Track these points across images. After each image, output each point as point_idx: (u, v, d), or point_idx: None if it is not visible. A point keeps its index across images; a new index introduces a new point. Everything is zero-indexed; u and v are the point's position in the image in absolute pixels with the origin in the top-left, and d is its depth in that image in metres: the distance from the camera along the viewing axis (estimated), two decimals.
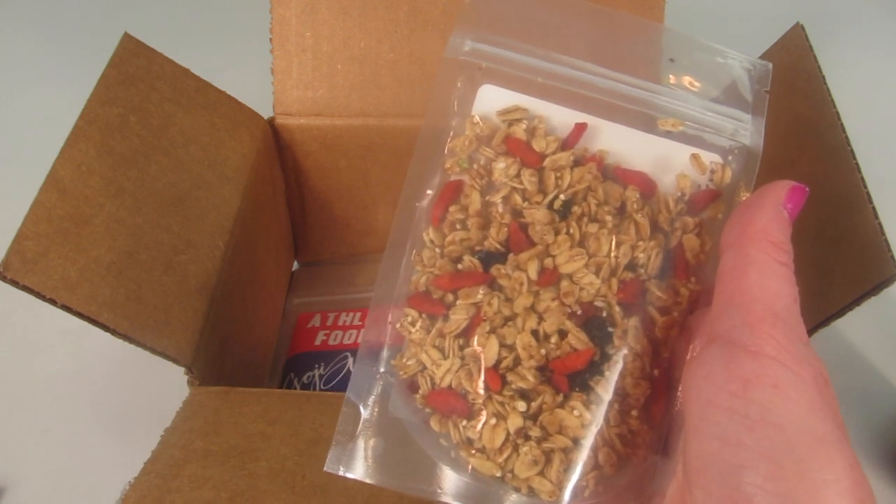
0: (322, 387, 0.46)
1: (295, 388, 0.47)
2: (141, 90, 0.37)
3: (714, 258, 0.24)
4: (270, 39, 0.44)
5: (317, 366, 0.47)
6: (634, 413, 0.23)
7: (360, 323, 0.49)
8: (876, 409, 0.49)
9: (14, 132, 0.66)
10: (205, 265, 0.36)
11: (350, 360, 0.47)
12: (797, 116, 0.37)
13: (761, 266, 0.21)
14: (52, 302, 0.29)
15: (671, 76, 0.26)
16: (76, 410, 0.48)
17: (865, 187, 0.31)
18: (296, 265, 0.57)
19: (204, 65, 0.42)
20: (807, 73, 0.37)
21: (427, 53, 0.45)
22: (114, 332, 0.31)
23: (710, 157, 0.25)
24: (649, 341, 0.24)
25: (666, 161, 0.25)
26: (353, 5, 0.44)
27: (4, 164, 0.63)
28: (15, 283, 0.29)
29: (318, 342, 0.49)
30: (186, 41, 0.54)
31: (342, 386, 0.44)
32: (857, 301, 0.28)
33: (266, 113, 0.45)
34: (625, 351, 0.23)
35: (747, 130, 0.25)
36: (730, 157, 0.25)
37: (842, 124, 0.33)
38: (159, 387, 0.40)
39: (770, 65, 0.26)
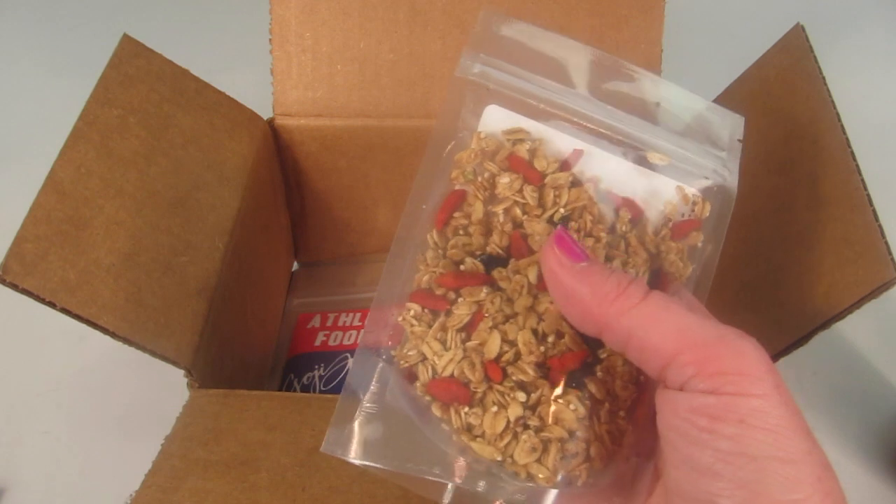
0: (322, 388, 0.46)
1: (295, 389, 0.47)
2: (140, 91, 0.37)
3: (691, 283, 0.27)
4: (270, 40, 0.44)
5: (317, 367, 0.47)
6: (622, 414, 0.25)
7: (360, 324, 0.49)
8: (876, 409, 0.49)
9: (13, 134, 0.66)
10: (204, 267, 0.36)
11: (350, 360, 0.47)
12: (797, 117, 0.37)
13: (639, 317, 0.21)
14: (52, 305, 0.29)
15: (658, 117, 0.28)
16: (76, 411, 0.48)
17: (866, 189, 0.31)
18: (296, 265, 0.57)
19: (203, 65, 0.42)
20: (807, 74, 0.37)
21: (427, 53, 0.45)
22: (113, 335, 0.31)
23: (691, 191, 0.27)
24: None
25: (652, 191, 0.27)
26: (353, 5, 0.44)
27: (3, 165, 0.63)
28: (14, 287, 0.28)
29: (317, 343, 0.49)
30: (186, 41, 0.54)
31: (342, 387, 0.44)
32: (858, 304, 0.28)
33: (266, 113, 0.45)
34: (616, 355, 0.25)
35: (725, 172, 0.28)
36: (708, 194, 0.27)
37: (842, 125, 0.33)
38: (159, 387, 0.40)
39: (743, 118, 0.29)
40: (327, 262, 0.56)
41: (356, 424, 0.25)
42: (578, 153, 0.27)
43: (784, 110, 0.38)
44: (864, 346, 0.52)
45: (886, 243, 0.29)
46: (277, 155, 0.48)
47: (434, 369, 0.25)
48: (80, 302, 0.30)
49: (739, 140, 0.28)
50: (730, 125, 0.29)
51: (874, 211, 0.30)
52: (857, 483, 0.46)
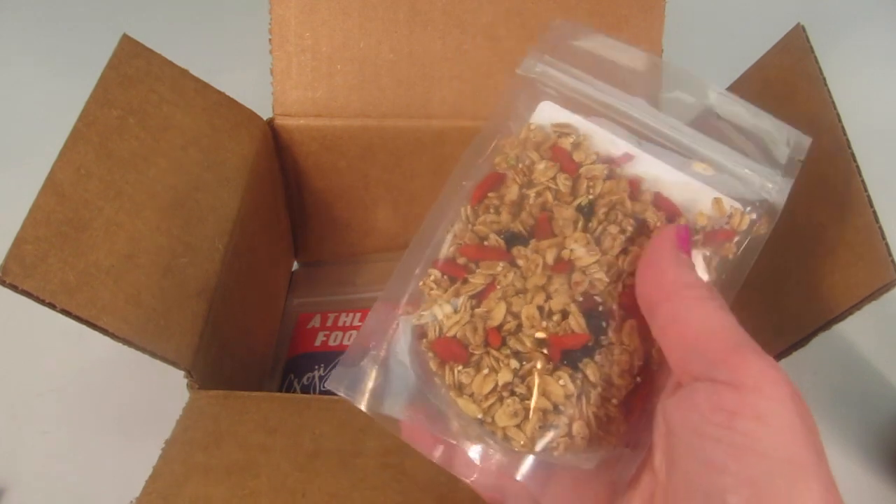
0: (322, 388, 0.46)
1: (295, 390, 0.47)
2: (140, 92, 0.37)
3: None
4: (270, 40, 0.44)
5: (317, 367, 0.47)
6: (615, 401, 0.25)
7: (361, 324, 0.49)
8: (876, 409, 0.49)
9: (13, 134, 0.66)
10: (204, 268, 0.36)
11: None
12: (798, 118, 0.37)
13: (695, 309, 0.22)
14: (52, 306, 0.29)
15: (716, 128, 0.29)
16: (76, 412, 0.48)
17: (866, 190, 0.31)
18: (296, 265, 0.57)
19: (203, 65, 0.42)
20: (808, 75, 0.37)
21: (427, 53, 0.45)
22: (113, 337, 0.31)
23: (731, 203, 0.27)
24: (642, 342, 0.25)
25: (693, 199, 0.27)
26: (352, 5, 0.44)
27: (3, 165, 0.62)
28: (14, 288, 0.28)
29: (318, 343, 0.49)
30: (186, 41, 0.53)
31: None
32: (858, 306, 0.28)
33: (265, 114, 0.45)
34: (617, 344, 0.25)
35: (774, 189, 0.27)
36: (749, 208, 0.27)
37: (843, 126, 0.33)
38: (159, 387, 0.40)
39: (809, 139, 0.29)
40: (327, 262, 0.56)
41: (362, 368, 0.26)
42: (627, 157, 0.28)
43: (784, 111, 0.38)
44: (864, 347, 0.52)
45: (887, 245, 0.29)
46: (277, 155, 0.47)
47: (441, 329, 0.26)
48: (79, 303, 0.30)
49: (801, 160, 0.28)
50: (793, 144, 0.29)
51: (874, 212, 0.30)
52: (857, 483, 0.46)
